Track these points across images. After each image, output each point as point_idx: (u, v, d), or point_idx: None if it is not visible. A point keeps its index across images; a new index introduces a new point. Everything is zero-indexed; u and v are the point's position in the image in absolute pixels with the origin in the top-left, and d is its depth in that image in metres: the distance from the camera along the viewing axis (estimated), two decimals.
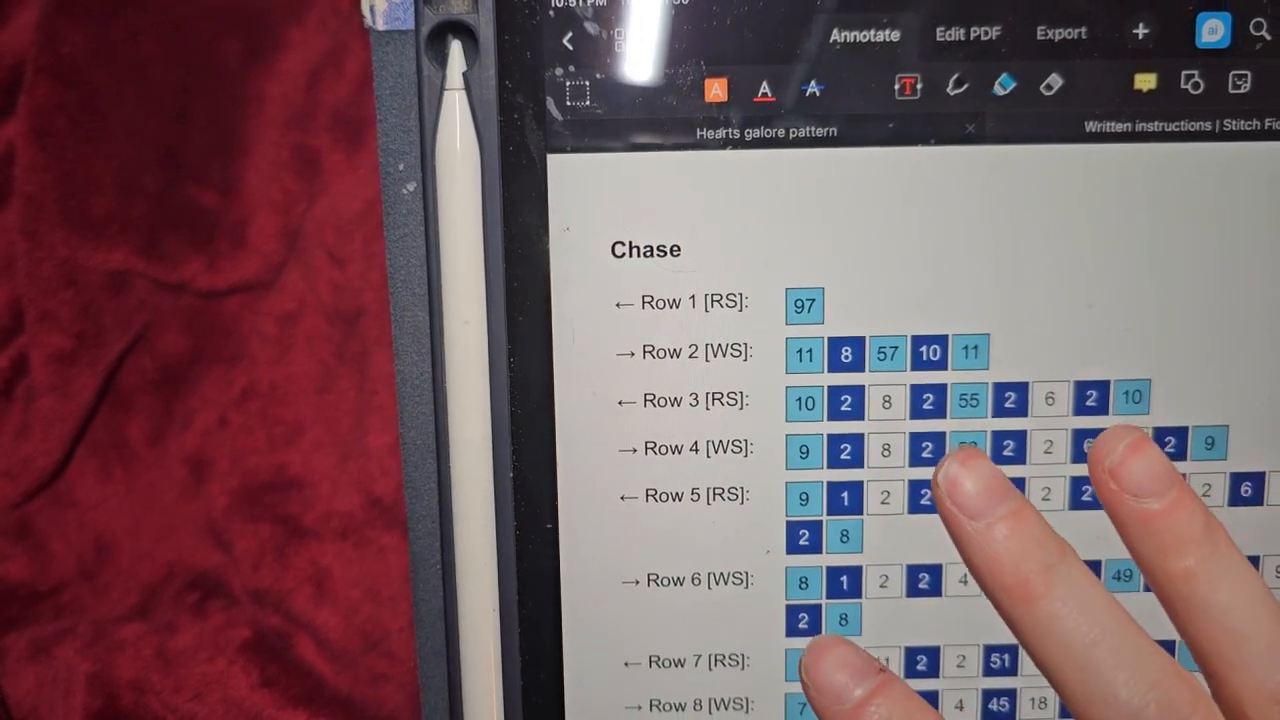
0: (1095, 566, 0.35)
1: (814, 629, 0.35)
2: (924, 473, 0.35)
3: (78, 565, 0.44)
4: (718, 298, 0.34)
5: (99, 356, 0.42)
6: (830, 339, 0.34)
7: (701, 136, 0.33)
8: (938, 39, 0.33)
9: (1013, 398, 0.35)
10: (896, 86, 0.33)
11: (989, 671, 0.36)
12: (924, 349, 0.34)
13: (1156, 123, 0.34)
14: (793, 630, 0.36)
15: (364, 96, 0.41)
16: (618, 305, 0.34)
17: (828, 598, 0.35)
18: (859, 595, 0.35)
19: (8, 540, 0.43)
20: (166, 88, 0.41)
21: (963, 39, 0.33)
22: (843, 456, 0.35)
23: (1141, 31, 0.33)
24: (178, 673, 0.41)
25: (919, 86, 0.33)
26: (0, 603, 0.43)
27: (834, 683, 0.24)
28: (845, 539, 0.35)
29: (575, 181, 0.34)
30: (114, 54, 0.40)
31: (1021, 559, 0.23)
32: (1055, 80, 0.33)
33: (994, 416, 0.35)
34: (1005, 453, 0.35)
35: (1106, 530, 0.35)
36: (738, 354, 0.34)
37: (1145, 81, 0.33)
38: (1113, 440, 0.24)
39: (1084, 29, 0.33)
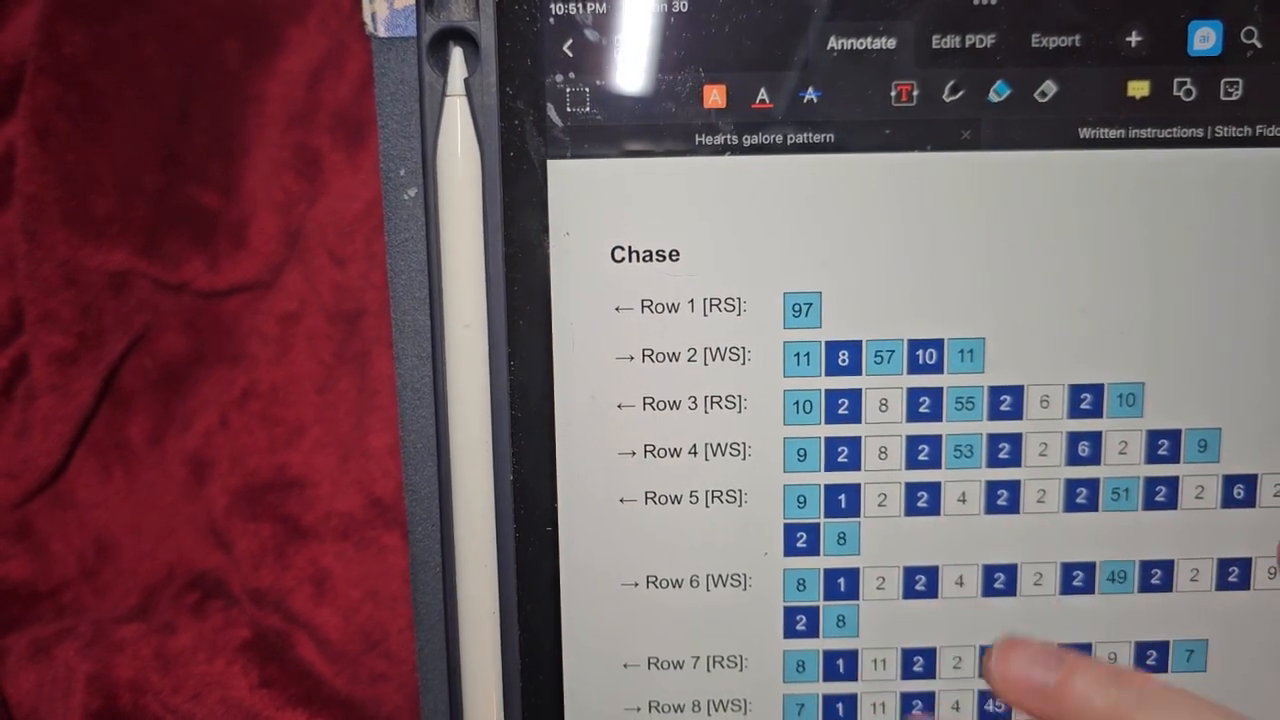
0: (1090, 568, 0.35)
1: (811, 631, 0.36)
2: (920, 475, 0.35)
3: (78, 565, 0.44)
4: (716, 302, 0.34)
5: (99, 357, 0.41)
6: (827, 343, 0.35)
7: (700, 142, 0.34)
8: (934, 46, 0.33)
9: (1008, 401, 0.35)
10: (893, 93, 0.34)
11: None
12: (920, 353, 0.35)
13: (1149, 129, 0.34)
14: (790, 632, 0.36)
15: (364, 97, 0.41)
16: (617, 309, 0.34)
17: (825, 599, 0.36)
18: (856, 597, 0.36)
19: (8, 540, 0.43)
20: (167, 88, 0.41)
21: (958, 46, 0.33)
22: (840, 459, 0.35)
23: (1135, 39, 0.33)
24: (177, 673, 0.41)
25: (915, 93, 0.33)
26: (1, 603, 0.43)
27: (1029, 676, 0.25)
28: (842, 541, 0.35)
29: (575, 187, 0.34)
30: (115, 54, 0.40)
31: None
32: (1050, 87, 0.33)
33: (989, 419, 0.35)
34: (1000, 455, 0.35)
35: (1101, 533, 0.35)
36: (736, 358, 0.35)
37: (1138, 89, 0.34)
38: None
39: (1078, 37, 0.33)
